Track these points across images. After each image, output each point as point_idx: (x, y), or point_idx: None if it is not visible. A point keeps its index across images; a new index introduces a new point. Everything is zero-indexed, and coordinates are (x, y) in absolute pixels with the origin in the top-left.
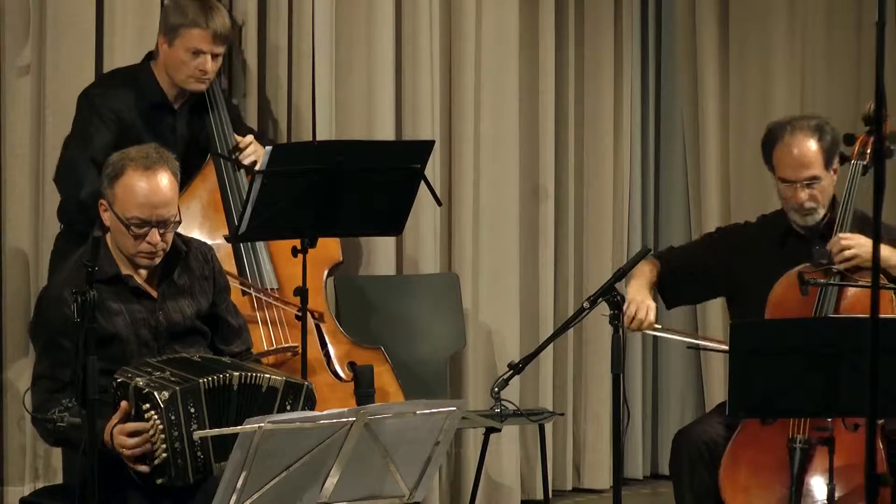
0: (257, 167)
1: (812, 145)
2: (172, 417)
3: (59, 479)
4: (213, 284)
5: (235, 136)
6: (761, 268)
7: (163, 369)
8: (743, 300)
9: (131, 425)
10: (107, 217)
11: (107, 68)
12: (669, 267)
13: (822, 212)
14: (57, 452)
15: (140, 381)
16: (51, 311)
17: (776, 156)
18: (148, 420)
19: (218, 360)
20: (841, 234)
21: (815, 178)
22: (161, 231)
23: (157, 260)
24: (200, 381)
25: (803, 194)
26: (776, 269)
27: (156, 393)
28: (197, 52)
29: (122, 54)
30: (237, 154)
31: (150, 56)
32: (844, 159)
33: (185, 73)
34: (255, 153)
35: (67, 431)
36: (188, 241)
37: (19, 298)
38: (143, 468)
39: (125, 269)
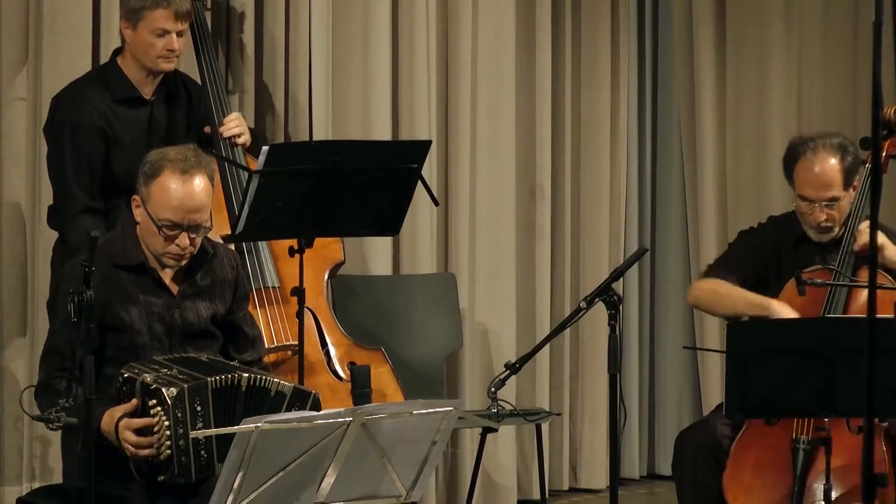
0: (246, 144)
1: (834, 165)
2: (179, 415)
3: (55, 480)
4: (233, 291)
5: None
6: (776, 271)
7: (170, 367)
8: None
9: (139, 421)
10: (139, 213)
11: None
12: (739, 279)
13: (837, 229)
14: (54, 453)
15: (148, 377)
16: (69, 287)
17: (797, 173)
18: (154, 416)
19: (226, 361)
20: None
21: (834, 199)
22: (192, 236)
23: (184, 262)
24: (208, 379)
25: (822, 215)
26: (790, 273)
27: (164, 389)
28: (162, 33)
29: None
30: (222, 136)
31: (117, 52)
32: (860, 163)
33: (154, 55)
34: (238, 128)
35: (64, 431)
36: (216, 245)
37: (16, 298)
38: (145, 453)
39: (151, 262)
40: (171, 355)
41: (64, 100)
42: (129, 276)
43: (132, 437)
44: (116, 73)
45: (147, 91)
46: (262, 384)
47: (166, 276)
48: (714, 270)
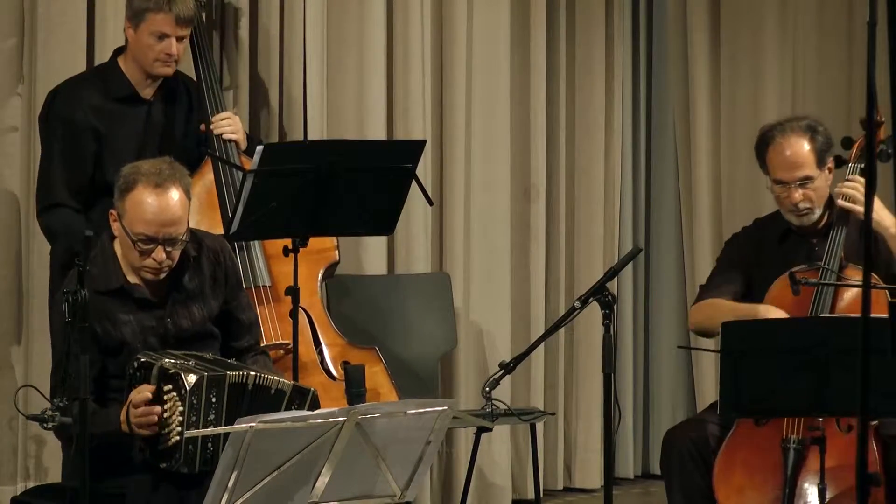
0: (239, 144)
1: (804, 145)
2: (194, 401)
3: (50, 479)
4: (224, 284)
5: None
6: (765, 269)
7: (186, 358)
8: (750, 302)
9: (145, 396)
10: (115, 227)
11: None
12: (732, 291)
13: (817, 212)
14: (48, 452)
15: (167, 362)
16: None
17: (769, 157)
18: (167, 402)
19: (229, 361)
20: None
21: (807, 178)
22: (168, 249)
23: (162, 275)
24: (227, 373)
25: (797, 194)
26: (778, 269)
27: (182, 374)
28: (162, 36)
29: None
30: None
31: (119, 52)
32: (842, 162)
33: (152, 57)
34: (229, 127)
35: (58, 431)
36: (200, 241)
37: (10, 297)
38: (146, 432)
39: (133, 278)
40: (183, 351)
41: (59, 95)
42: (114, 301)
43: (136, 410)
44: (115, 71)
45: (146, 92)
46: (265, 383)
47: (149, 290)
48: (706, 291)
